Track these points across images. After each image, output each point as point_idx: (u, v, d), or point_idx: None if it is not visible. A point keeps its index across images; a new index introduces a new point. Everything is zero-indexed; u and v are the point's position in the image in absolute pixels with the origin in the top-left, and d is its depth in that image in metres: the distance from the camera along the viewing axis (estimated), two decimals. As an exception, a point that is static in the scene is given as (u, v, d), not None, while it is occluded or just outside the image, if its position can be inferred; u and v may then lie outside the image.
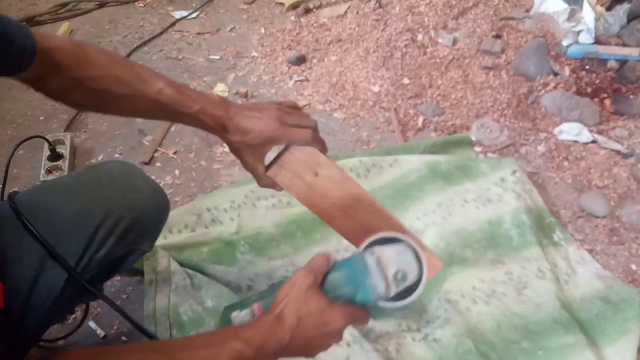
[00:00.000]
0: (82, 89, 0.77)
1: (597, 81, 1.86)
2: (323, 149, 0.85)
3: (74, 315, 1.24)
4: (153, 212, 0.95)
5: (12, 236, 0.79)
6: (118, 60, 0.81)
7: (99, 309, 1.24)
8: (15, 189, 1.52)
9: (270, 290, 0.74)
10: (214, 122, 0.80)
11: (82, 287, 0.85)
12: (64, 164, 1.54)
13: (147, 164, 1.64)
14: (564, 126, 1.72)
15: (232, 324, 0.72)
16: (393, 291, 0.71)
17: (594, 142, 1.69)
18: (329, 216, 0.86)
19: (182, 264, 1.29)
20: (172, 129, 1.76)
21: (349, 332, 1.15)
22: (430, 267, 0.76)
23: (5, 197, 0.83)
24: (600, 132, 1.72)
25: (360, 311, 0.72)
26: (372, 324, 1.18)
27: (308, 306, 0.68)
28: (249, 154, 0.82)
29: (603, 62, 1.91)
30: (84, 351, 0.83)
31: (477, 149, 1.69)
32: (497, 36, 2.04)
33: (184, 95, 0.81)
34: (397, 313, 1.22)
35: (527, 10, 2.15)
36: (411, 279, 0.71)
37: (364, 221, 0.85)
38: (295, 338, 0.66)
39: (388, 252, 0.72)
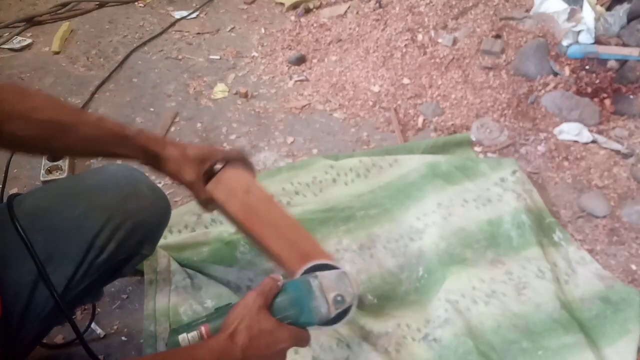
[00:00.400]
0: (24, 120, 0.77)
1: (597, 81, 1.86)
2: (253, 173, 0.95)
3: (73, 317, 1.24)
4: (155, 217, 0.95)
5: (13, 240, 0.78)
6: (56, 97, 0.84)
7: (98, 309, 1.24)
8: (15, 189, 1.53)
9: (217, 313, 0.78)
10: (154, 142, 0.86)
11: (82, 291, 0.85)
12: (64, 164, 1.54)
13: (147, 164, 1.63)
14: (564, 126, 1.72)
15: (180, 346, 0.73)
16: (333, 313, 0.79)
17: (594, 142, 1.68)
18: (260, 232, 0.94)
19: (182, 264, 1.29)
20: (172, 129, 1.76)
21: (348, 333, 1.15)
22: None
23: (5, 199, 0.83)
24: (600, 132, 1.72)
25: (303, 333, 0.77)
26: (371, 324, 1.18)
27: (259, 326, 0.72)
28: (188, 169, 0.88)
29: (603, 62, 1.91)
30: None
31: (477, 149, 1.69)
32: (497, 36, 2.04)
33: (122, 123, 0.86)
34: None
35: (527, 10, 2.15)
36: (347, 302, 0.79)
37: (291, 240, 0.94)
38: (246, 357, 0.69)
39: (328, 277, 0.80)
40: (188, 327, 0.77)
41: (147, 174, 0.97)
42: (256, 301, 0.73)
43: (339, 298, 0.79)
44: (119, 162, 0.94)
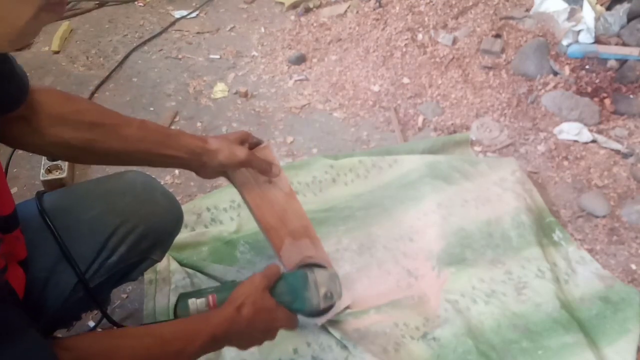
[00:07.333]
0: (69, 123, 0.79)
1: (597, 81, 1.86)
2: (276, 162, 0.98)
3: (79, 320, 1.23)
4: (167, 224, 0.96)
5: (32, 237, 0.81)
6: (97, 103, 0.88)
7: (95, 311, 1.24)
8: (15, 189, 1.53)
9: (223, 287, 0.90)
10: (196, 137, 0.89)
11: (90, 292, 0.86)
12: (64, 163, 1.54)
13: (146, 163, 1.63)
14: (564, 126, 1.72)
15: (189, 308, 0.86)
16: (322, 306, 0.91)
17: (593, 141, 1.68)
18: (268, 223, 1.00)
19: (182, 264, 1.29)
20: (172, 128, 1.76)
21: (348, 333, 1.15)
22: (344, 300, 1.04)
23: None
24: (600, 132, 1.72)
25: (294, 317, 0.89)
26: (370, 323, 1.18)
27: (262, 304, 0.82)
28: (238, 149, 0.92)
29: (603, 61, 1.91)
30: (88, 336, 0.86)
31: (477, 148, 1.69)
32: (497, 36, 2.04)
33: (163, 126, 0.91)
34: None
35: (527, 10, 2.15)
36: (334, 300, 0.92)
37: (296, 237, 1.02)
38: (248, 328, 0.80)
39: (322, 274, 0.92)
40: (197, 293, 0.87)
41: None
42: (261, 282, 0.84)
43: (328, 294, 0.91)
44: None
